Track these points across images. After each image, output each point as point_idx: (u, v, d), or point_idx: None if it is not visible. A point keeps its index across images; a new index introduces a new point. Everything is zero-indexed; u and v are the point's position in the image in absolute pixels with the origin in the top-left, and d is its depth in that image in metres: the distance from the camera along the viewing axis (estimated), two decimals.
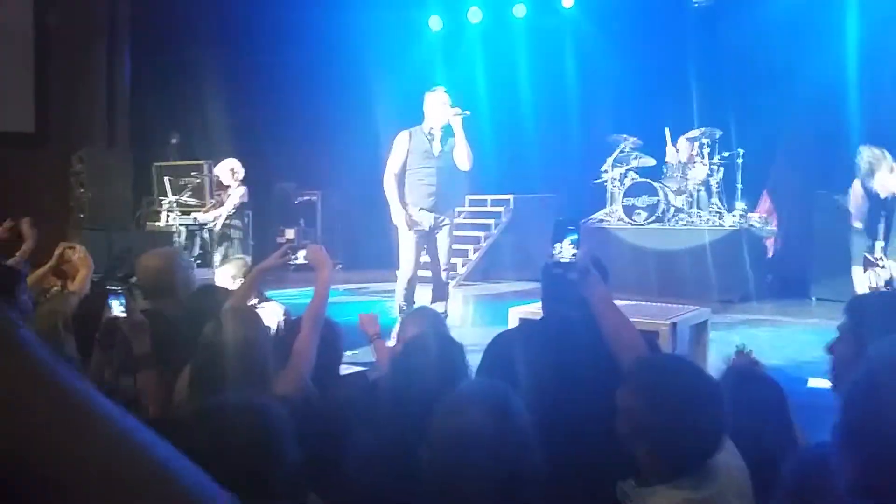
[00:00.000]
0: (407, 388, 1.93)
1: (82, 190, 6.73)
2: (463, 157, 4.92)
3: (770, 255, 8.15)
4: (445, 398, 1.59)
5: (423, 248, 5.01)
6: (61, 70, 8.38)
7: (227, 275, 3.77)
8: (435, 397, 1.69)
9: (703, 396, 1.53)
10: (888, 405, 0.99)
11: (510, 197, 9.84)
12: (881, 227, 4.32)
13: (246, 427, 1.55)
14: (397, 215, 4.96)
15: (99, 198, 6.70)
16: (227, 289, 3.07)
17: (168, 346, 2.56)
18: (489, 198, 10.05)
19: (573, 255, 1.97)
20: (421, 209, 4.97)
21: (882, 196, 4.31)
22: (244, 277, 3.43)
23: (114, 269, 3.44)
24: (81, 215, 6.68)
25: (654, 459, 1.53)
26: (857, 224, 4.46)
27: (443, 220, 5.02)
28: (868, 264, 4.27)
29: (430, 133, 4.99)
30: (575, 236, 1.99)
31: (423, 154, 4.98)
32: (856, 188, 4.47)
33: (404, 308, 4.82)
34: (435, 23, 10.86)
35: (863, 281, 4.30)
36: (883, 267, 4.20)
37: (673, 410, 1.50)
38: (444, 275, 5.08)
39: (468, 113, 4.93)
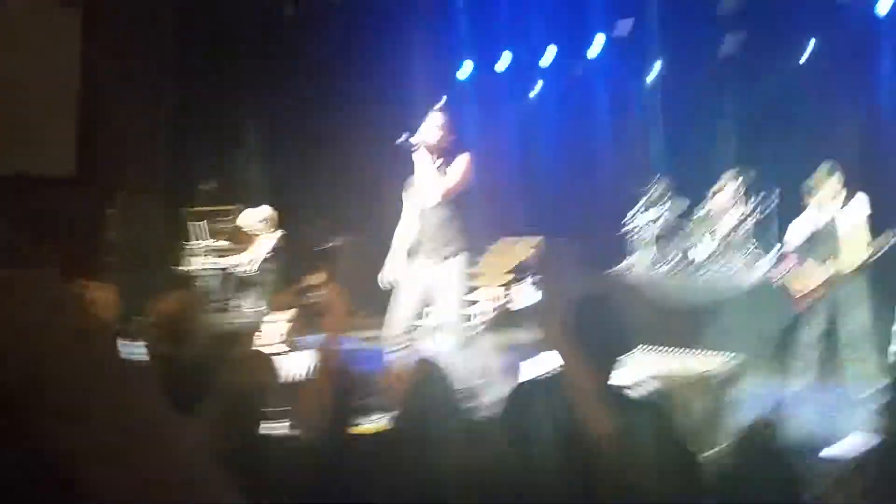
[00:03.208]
0: (407, 437, 1.91)
1: (116, 233, 6.89)
2: (425, 189, 4.33)
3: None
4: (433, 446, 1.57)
5: (419, 300, 4.51)
6: (101, 116, 8.66)
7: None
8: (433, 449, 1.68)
9: (679, 469, 1.49)
10: None
11: (538, 239, 9.78)
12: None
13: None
14: (384, 272, 4.58)
15: (132, 241, 6.85)
16: (248, 334, 3.09)
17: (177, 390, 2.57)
18: (518, 240, 10.01)
19: (533, 299, 1.95)
20: (411, 258, 4.55)
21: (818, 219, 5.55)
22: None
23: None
24: (115, 259, 6.83)
25: None
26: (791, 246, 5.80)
27: (435, 271, 4.44)
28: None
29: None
30: (535, 277, 1.97)
31: (415, 194, 4.55)
32: (800, 220, 5.77)
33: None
34: (463, 72, 11.01)
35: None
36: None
37: (649, 479, 1.45)
38: (450, 330, 4.45)
39: (404, 139, 4.36)
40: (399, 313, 4.49)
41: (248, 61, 9.39)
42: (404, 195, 4.67)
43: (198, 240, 7.52)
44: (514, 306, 1.92)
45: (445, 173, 4.38)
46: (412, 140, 4.38)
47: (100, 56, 8.57)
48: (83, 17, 8.23)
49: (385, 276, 4.64)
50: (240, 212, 7.58)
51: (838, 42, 8.08)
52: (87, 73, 8.49)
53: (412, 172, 4.64)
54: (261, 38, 9.29)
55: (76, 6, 8.21)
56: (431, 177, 4.33)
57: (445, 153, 4.43)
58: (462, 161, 4.39)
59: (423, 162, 4.37)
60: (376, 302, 9.51)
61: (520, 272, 2.07)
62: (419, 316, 4.58)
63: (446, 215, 4.42)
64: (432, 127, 4.45)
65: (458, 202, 4.40)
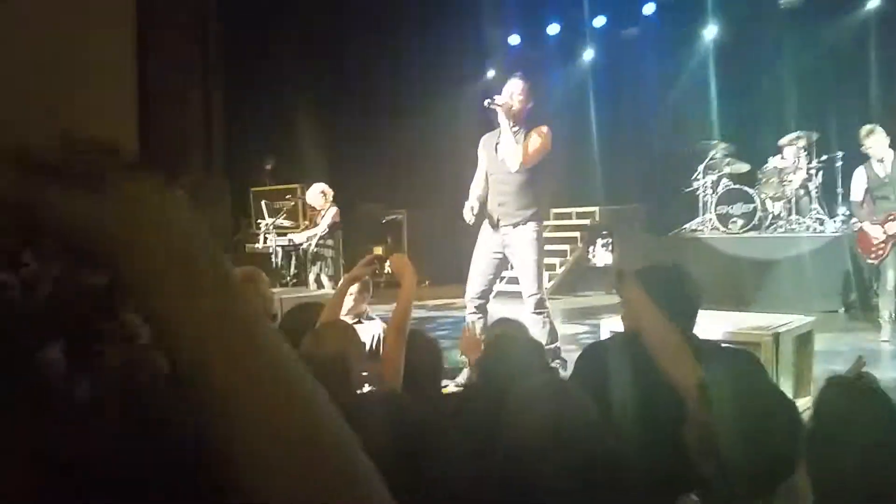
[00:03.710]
0: (487, 390, 1.96)
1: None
2: (507, 155, 4.36)
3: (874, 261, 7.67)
4: (512, 396, 1.61)
5: (495, 264, 4.55)
6: (160, 100, 8.88)
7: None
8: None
9: (778, 417, 1.46)
10: None
11: (595, 209, 9.72)
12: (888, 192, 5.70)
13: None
14: (466, 210, 4.56)
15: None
16: (321, 305, 3.16)
17: None
18: (574, 210, 9.96)
19: (608, 260, 1.95)
20: (490, 221, 4.53)
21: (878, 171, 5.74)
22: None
23: None
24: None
25: (719, 477, 1.48)
26: (857, 198, 5.90)
27: (509, 236, 4.46)
28: (888, 220, 5.63)
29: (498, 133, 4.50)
30: (608, 240, 1.97)
31: (492, 159, 4.54)
32: (859, 171, 5.90)
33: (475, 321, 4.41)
34: (514, 39, 10.90)
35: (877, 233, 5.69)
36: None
37: (745, 429, 1.44)
38: (529, 294, 4.42)
39: (491, 102, 4.35)
40: (477, 277, 4.56)
41: (305, 36, 9.49)
42: (479, 151, 4.71)
43: (262, 218, 7.72)
44: (595, 263, 1.93)
45: (524, 140, 4.42)
46: (497, 103, 4.38)
47: (157, 40, 8.75)
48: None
49: (467, 212, 4.58)
50: (301, 190, 7.74)
51: None
52: (145, 58, 8.69)
53: (481, 134, 4.74)
54: (316, 13, 9.37)
55: None
56: (512, 143, 4.37)
57: (523, 120, 4.46)
58: (543, 131, 4.42)
59: (505, 127, 4.39)
60: (440, 272, 9.70)
61: (592, 235, 2.11)
62: (496, 280, 4.65)
63: (524, 182, 4.45)
64: (513, 93, 4.46)
65: (535, 170, 4.43)
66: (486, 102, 4.41)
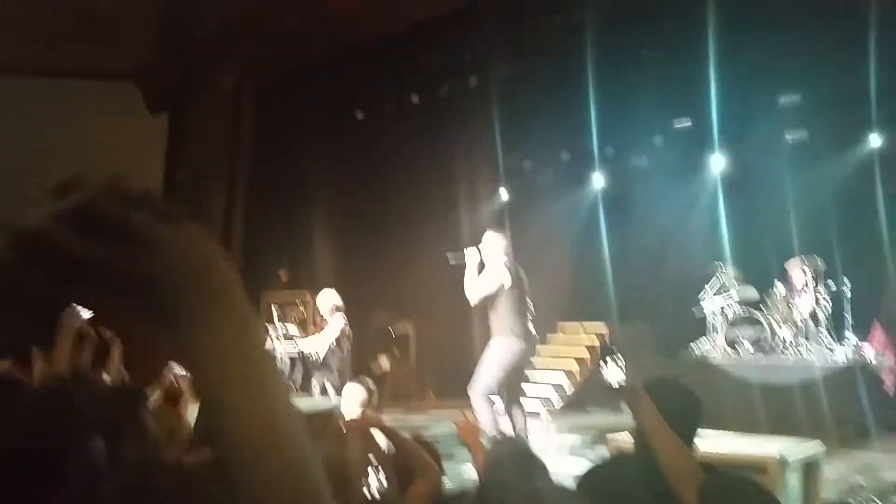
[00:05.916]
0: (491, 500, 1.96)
1: None
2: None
3: (888, 391, 7.56)
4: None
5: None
6: (184, 196, 9.12)
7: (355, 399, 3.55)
8: None
9: None
10: None
11: (603, 325, 9.70)
12: None
13: None
14: None
15: None
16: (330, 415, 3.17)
17: None
18: (582, 325, 9.95)
19: (619, 377, 2.00)
20: None
21: None
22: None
23: None
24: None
25: None
26: None
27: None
28: None
29: None
30: (619, 357, 2.03)
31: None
32: None
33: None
34: (528, 165, 11.19)
35: None
36: None
37: None
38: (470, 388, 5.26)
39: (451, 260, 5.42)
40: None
41: (321, 159, 9.92)
42: None
43: (271, 322, 7.78)
44: (606, 381, 1.98)
45: (479, 277, 5.25)
46: (461, 258, 5.33)
47: (183, 155, 9.15)
48: (169, 118, 8.87)
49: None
50: (310, 296, 7.83)
51: None
52: (171, 170, 9.07)
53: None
54: (333, 139, 9.84)
55: (162, 112, 8.86)
56: (469, 279, 5.25)
57: (494, 264, 5.29)
58: (494, 270, 5.21)
59: (471, 268, 5.27)
60: (443, 383, 9.61)
61: (603, 353, 2.15)
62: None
63: (485, 308, 5.33)
64: (489, 244, 5.33)
65: (488, 303, 5.23)
66: (449, 260, 5.48)
